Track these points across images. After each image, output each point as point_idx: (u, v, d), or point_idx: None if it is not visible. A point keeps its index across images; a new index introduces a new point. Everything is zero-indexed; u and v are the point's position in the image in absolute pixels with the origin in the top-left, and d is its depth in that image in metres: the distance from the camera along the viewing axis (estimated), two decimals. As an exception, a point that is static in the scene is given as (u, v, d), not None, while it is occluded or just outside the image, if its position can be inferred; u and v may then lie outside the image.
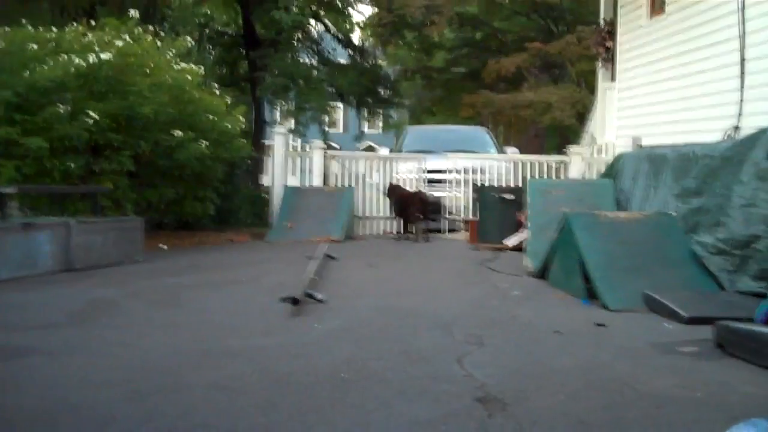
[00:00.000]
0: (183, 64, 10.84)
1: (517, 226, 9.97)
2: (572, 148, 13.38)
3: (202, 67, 13.79)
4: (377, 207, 13.18)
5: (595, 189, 8.70)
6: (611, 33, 13.39)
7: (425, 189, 12.87)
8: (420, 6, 21.75)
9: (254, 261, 8.43)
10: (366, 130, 23.05)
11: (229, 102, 11.67)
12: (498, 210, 10.22)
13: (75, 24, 10.60)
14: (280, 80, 15.58)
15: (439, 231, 12.86)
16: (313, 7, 17.64)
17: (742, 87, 8.78)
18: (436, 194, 13.08)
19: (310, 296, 5.44)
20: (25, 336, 4.39)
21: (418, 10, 21.82)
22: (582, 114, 19.90)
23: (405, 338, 4.35)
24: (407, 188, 12.54)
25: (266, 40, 17.07)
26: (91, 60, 9.07)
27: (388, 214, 12.95)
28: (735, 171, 6.28)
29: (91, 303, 5.61)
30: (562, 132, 25.33)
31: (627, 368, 3.69)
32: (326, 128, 17.06)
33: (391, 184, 12.24)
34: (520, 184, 11.92)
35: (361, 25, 27.95)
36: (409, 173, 13.24)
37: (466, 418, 2.90)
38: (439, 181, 13.07)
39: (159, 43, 10.56)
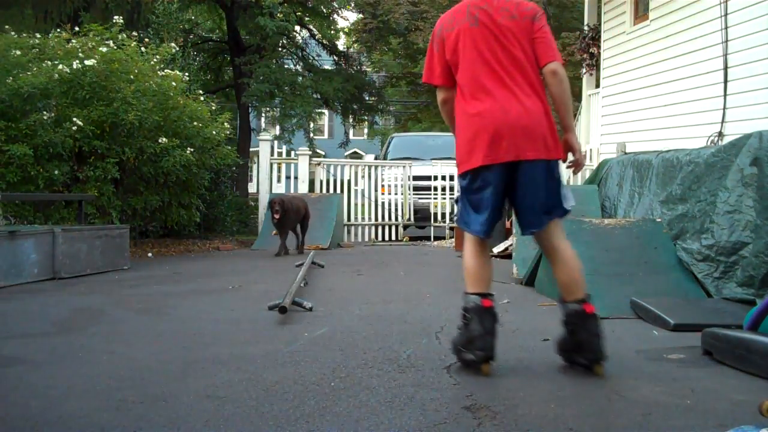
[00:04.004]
0: (167, 71, 10.82)
1: (506, 233, 10.00)
2: (557, 155, 13.42)
3: (187, 74, 13.77)
4: (365, 214, 13.22)
5: (581, 195, 8.71)
6: (595, 39, 13.47)
7: (411, 196, 12.91)
8: (404, 12, 21.79)
9: (241, 269, 8.40)
10: (352, 136, 23.03)
11: (214, 108, 11.65)
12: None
13: (59, 30, 10.56)
14: (265, 86, 15.55)
15: (426, 238, 12.89)
16: (298, 13, 17.62)
17: (725, 93, 8.85)
18: (422, 201, 13.14)
19: (298, 304, 5.43)
20: (9, 345, 4.35)
21: (403, 16, 21.87)
22: (567, 120, 19.96)
23: (392, 346, 4.34)
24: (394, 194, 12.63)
25: (251, 46, 17.05)
26: (75, 66, 9.04)
27: (374, 220, 12.98)
28: (719, 177, 6.32)
29: (77, 311, 5.57)
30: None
31: (615, 375, 3.69)
32: (312, 135, 17.04)
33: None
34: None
35: (346, 31, 27.99)
36: (394, 180, 13.29)
37: (455, 426, 2.89)
38: (424, 188, 13.11)
39: (143, 49, 10.53)
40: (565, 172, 13.13)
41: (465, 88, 3.74)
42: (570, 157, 3.90)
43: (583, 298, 3.83)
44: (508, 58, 3.65)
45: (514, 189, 3.68)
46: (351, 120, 20.71)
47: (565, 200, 3.77)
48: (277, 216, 9.53)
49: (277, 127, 19.67)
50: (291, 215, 9.75)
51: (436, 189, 13.00)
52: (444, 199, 12.99)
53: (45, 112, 8.72)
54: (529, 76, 3.66)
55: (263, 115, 19.55)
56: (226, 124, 11.48)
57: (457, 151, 3.80)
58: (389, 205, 13.42)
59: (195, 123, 10.45)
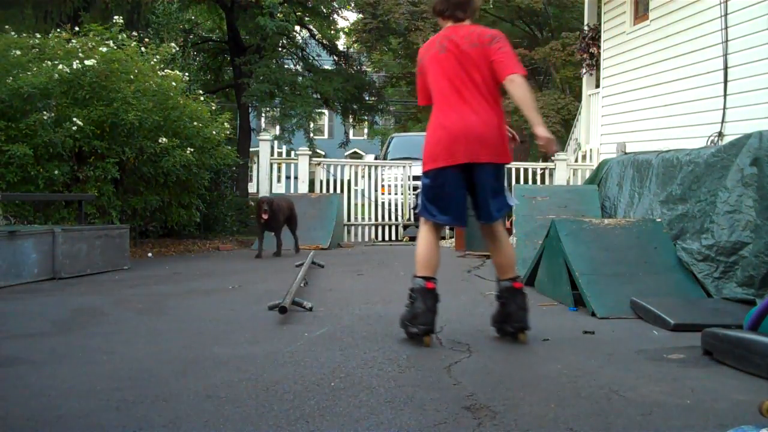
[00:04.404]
0: (167, 71, 10.81)
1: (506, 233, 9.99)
2: (557, 155, 13.43)
3: (187, 74, 13.72)
4: (365, 214, 13.21)
5: (581, 195, 8.73)
6: (595, 39, 13.47)
7: (411, 196, 12.90)
8: (404, 12, 21.78)
9: (241, 269, 8.40)
10: (352, 136, 23.02)
11: (214, 108, 11.64)
12: (484, 216, 10.22)
13: (59, 30, 10.55)
14: (265, 86, 15.53)
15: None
16: (298, 13, 17.60)
17: (725, 93, 8.85)
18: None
19: (298, 304, 5.43)
20: (9, 345, 4.35)
21: (403, 16, 21.84)
22: (567, 120, 20.00)
23: (392, 346, 4.34)
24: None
25: (251, 46, 17.04)
26: (75, 66, 9.03)
27: (374, 220, 12.98)
28: (719, 177, 6.32)
29: (77, 311, 5.57)
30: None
31: (615, 375, 3.69)
32: (312, 135, 17.02)
33: None
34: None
35: (346, 31, 27.96)
36: (394, 180, 13.28)
37: (455, 426, 2.89)
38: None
39: (143, 49, 10.52)
40: (565, 171, 13.06)
41: (435, 103, 4.51)
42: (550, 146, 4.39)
43: (514, 277, 4.57)
44: (469, 80, 4.38)
45: (473, 187, 4.45)
46: (351, 120, 20.68)
47: (508, 199, 4.61)
48: (265, 216, 9.40)
49: (277, 127, 19.63)
50: (279, 216, 9.64)
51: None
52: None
53: (45, 112, 8.71)
54: (485, 95, 4.39)
55: (263, 115, 19.52)
56: (226, 124, 11.47)
57: (423, 154, 4.52)
58: (389, 205, 13.41)
59: (195, 123, 10.44)
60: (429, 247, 4.57)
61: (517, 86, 4.28)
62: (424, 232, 4.60)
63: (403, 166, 13.34)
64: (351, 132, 23.23)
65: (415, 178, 13.26)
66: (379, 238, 13.15)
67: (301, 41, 19.49)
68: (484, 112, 4.37)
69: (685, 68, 9.84)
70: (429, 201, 4.52)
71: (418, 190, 4.73)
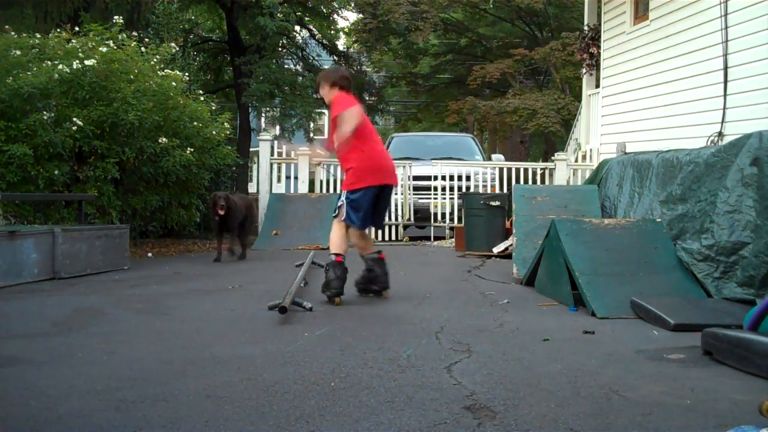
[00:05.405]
0: (167, 71, 10.80)
1: (506, 233, 10.00)
2: (557, 155, 13.42)
3: (187, 74, 13.70)
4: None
5: (581, 195, 8.72)
6: (595, 39, 13.46)
7: (411, 196, 12.89)
8: (404, 12, 21.77)
9: (241, 269, 8.40)
10: (352, 136, 23.00)
11: (214, 108, 11.63)
12: (484, 217, 10.23)
13: (59, 30, 10.54)
14: (265, 86, 15.51)
15: (426, 238, 12.87)
16: (298, 13, 17.58)
17: (725, 93, 8.85)
18: (422, 201, 13.12)
19: (298, 304, 5.43)
20: (9, 345, 4.35)
21: (403, 16, 21.83)
22: (567, 120, 19.97)
23: (392, 346, 4.34)
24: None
25: (251, 46, 17.02)
26: (75, 66, 9.02)
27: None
28: (719, 177, 6.32)
29: (77, 311, 5.57)
30: (547, 138, 25.40)
31: (615, 375, 3.69)
32: (312, 135, 17.01)
33: None
34: (506, 191, 11.95)
35: (346, 31, 27.96)
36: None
37: (455, 426, 2.89)
38: (424, 188, 13.07)
39: (143, 49, 10.51)
40: (565, 171, 13.04)
41: (365, 142, 6.07)
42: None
43: (377, 251, 6.35)
44: (372, 127, 6.33)
45: (379, 202, 6.20)
46: (351, 120, 20.60)
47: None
48: (221, 212, 8.94)
49: (277, 127, 19.63)
50: (236, 213, 9.22)
51: (436, 189, 12.95)
52: (444, 199, 12.94)
53: (45, 112, 8.70)
54: (378, 137, 6.37)
55: (263, 115, 19.50)
56: (226, 124, 11.46)
57: (354, 177, 6.06)
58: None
59: (195, 123, 10.43)
60: (341, 237, 6.13)
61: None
62: (338, 229, 6.16)
63: (403, 166, 13.30)
64: (351, 132, 23.15)
65: (415, 177, 13.24)
66: (379, 238, 13.13)
67: (301, 41, 19.47)
68: (384, 150, 6.43)
69: (685, 68, 9.84)
70: (352, 210, 6.04)
71: (342, 202, 6.12)
